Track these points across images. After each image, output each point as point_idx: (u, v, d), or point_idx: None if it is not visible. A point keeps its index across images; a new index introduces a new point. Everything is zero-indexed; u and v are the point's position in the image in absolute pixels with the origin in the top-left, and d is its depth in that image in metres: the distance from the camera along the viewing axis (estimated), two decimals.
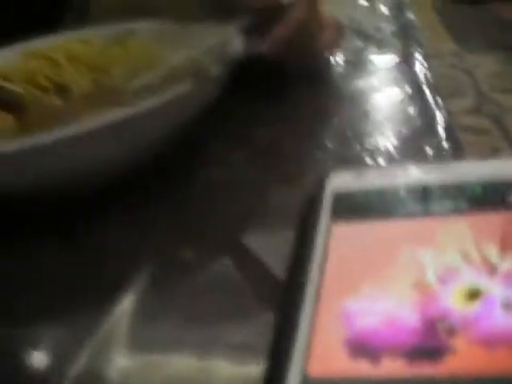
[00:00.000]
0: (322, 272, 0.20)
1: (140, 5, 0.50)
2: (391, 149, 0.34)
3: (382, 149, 0.34)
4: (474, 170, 0.24)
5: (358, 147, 0.34)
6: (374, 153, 0.33)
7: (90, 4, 0.53)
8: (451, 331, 0.16)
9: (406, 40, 0.48)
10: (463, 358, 0.16)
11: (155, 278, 0.26)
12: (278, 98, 0.39)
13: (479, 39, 0.41)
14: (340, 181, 0.25)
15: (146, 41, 0.46)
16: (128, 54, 0.44)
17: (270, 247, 0.28)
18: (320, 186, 0.25)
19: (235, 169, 0.33)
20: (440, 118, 0.36)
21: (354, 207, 0.23)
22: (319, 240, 0.22)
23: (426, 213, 0.22)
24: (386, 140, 0.35)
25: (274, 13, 0.41)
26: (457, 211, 0.22)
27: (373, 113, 0.39)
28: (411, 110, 0.38)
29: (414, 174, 0.25)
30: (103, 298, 0.25)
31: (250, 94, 0.37)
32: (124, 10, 0.50)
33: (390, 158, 0.32)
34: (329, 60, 0.44)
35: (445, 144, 0.33)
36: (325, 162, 0.34)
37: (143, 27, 0.48)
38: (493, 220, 0.21)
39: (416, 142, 0.34)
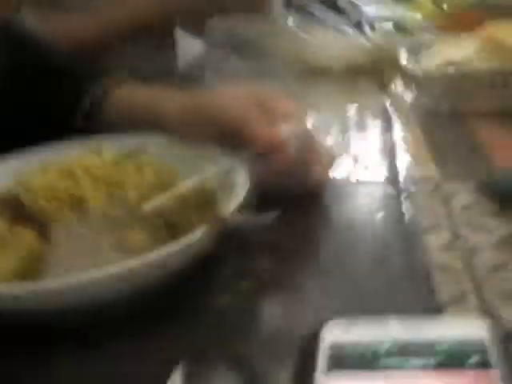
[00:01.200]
0: None
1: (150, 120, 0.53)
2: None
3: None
4: (445, 328, 0.29)
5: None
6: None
7: (101, 112, 0.56)
8: None
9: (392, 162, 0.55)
10: None
11: None
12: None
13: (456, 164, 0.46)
14: (334, 329, 0.30)
15: (157, 159, 0.50)
16: (141, 171, 0.48)
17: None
18: (315, 338, 0.30)
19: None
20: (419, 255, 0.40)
21: (345, 359, 0.28)
22: None
23: (404, 367, 0.27)
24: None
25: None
26: (427, 367, 0.27)
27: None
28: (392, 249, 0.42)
29: (395, 328, 0.30)
30: None
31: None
32: (134, 122, 0.54)
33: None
34: (322, 186, 0.49)
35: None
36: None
37: (153, 142, 0.52)
38: (459, 379, 0.26)
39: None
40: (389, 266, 0.40)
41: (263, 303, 0.38)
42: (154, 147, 0.51)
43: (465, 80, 0.66)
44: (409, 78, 0.76)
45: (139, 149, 0.51)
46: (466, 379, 0.26)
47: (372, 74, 0.85)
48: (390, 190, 0.51)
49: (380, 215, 0.47)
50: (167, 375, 0.28)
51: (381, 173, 0.54)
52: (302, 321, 0.34)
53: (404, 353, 0.28)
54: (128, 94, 0.55)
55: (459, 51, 0.66)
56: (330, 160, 0.50)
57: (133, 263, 0.36)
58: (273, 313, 0.38)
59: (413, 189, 0.50)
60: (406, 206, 0.47)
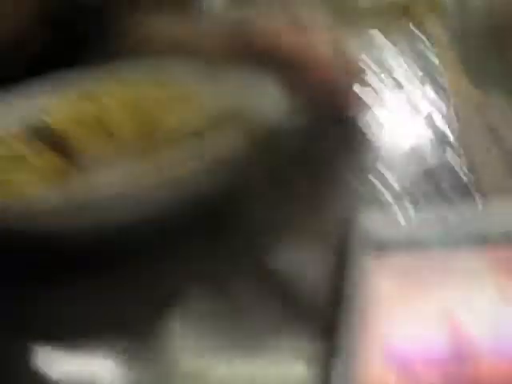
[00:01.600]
0: (364, 302, 0.23)
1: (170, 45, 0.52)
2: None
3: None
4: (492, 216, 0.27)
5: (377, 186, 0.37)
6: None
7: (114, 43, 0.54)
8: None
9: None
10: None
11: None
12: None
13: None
14: (370, 222, 0.28)
15: (184, 82, 0.48)
16: (170, 97, 0.47)
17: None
18: (352, 224, 0.29)
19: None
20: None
21: (385, 244, 0.27)
22: (359, 272, 0.25)
23: (454, 250, 0.25)
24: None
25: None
26: (479, 249, 0.25)
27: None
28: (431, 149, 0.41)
29: (438, 215, 0.28)
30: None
31: None
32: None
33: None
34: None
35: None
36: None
37: (176, 66, 0.50)
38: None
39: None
40: None
41: None
42: (178, 72, 0.49)
43: None
44: None
45: (164, 73, 0.50)
46: None
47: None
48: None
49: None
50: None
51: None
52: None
53: (452, 235, 0.26)
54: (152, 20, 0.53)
55: None
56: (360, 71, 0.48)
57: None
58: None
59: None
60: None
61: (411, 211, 0.30)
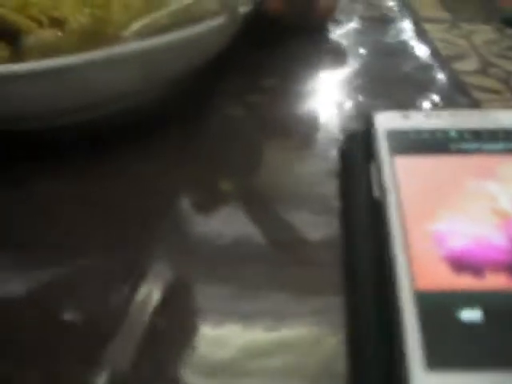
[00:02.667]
0: (399, 201, 0.21)
1: None
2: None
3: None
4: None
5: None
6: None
7: None
8: None
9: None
10: None
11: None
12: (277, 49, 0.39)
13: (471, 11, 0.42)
14: (388, 119, 0.26)
15: None
16: None
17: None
18: (368, 123, 0.26)
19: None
20: (447, 75, 0.37)
21: (408, 143, 0.24)
22: (386, 171, 0.22)
23: (480, 151, 0.24)
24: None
25: None
26: (508, 151, 0.23)
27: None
28: (412, 66, 0.39)
29: (456, 117, 0.26)
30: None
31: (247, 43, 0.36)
32: None
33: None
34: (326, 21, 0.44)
35: (459, 98, 0.34)
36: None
37: None
38: None
39: (426, 94, 0.35)
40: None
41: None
42: None
43: None
44: None
45: None
46: None
47: None
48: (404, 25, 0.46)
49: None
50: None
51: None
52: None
53: (476, 139, 0.24)
54: None
55: None
56: None
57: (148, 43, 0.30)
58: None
59: (427, 27, 0.46)
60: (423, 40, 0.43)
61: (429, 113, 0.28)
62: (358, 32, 0.45)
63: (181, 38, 0.32)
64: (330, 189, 0.26)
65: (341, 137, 0.29)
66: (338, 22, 0.45)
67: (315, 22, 0.44)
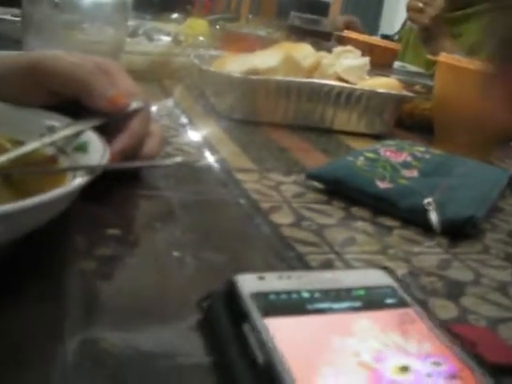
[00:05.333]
0: (285, 362, 0.24)
1: None
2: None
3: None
4: (353, 278, 0.31)
5: None
6: None
7: None
8: None
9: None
10: None
11: None
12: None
13: (272, 161, 0.49)
14: (248, 282, 0.30)
15: None
16: None
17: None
18: (230, 285, 0.29)
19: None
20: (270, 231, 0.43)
21: (272, 305, 0.28)
22: (264, 339, 0.25)
23: (332, 310, 0.28)
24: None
25: (120, 118, 0.44)
26: (354, 309, 0.29)
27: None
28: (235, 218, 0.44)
29: (306, 279, 0.31)
30: None
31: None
32: None
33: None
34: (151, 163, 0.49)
35: (287, 252, 0.40)
36: None
37: None
38: (384, 316, 0.28)
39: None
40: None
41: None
42: None
43: (263, 89, 0.71)
44: (205, 84, 0.80)
45: None
46: (390, 317, 0.28)
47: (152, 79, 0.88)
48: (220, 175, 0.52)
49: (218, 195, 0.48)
50: None
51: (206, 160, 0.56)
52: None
53: (325, 299, 0.29)
54: None
55: (265, 61, 0.71)
56: (162, 138, 0.50)
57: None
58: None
59: (240, 176, 0.52)
60: (239, 191, 0.49)
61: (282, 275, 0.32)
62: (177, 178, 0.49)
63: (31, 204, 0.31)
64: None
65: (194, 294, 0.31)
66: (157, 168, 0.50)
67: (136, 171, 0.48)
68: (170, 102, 0.77)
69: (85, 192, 0.35)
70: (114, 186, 0.43)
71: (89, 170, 0.35)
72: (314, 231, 0.43)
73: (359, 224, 0.46)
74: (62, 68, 0.43)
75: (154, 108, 0.58)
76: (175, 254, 0.37)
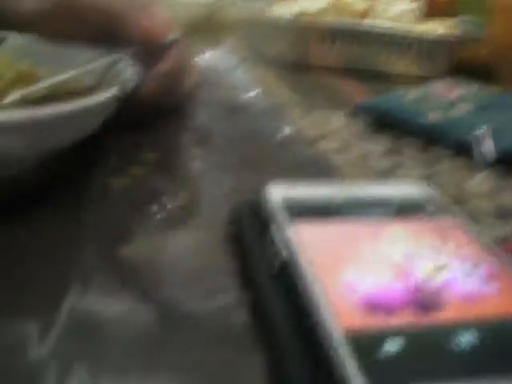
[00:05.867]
0: (307, 259, 0.23)
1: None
2: None
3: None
4: (389, 190, 0.30)
5: None
6: None
7: None
8: (434, 293, 0.21)
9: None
10: (450, 311, 0.20)
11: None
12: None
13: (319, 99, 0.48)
14: (279, 190, 0.29)
15: (13, 55, 0.43)
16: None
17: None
18: (260, 193, 0.29)
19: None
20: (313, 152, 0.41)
21: (302, 211, 0.27)
22: (290, 238, 0.24)
23: (366, 217, 0.27)
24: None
25: (156, 49, 0.44)
26: (387, 218, 0.27)
27: None
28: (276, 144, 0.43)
29: (340, 188, 0.30)
30: None
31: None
32: None
33: None
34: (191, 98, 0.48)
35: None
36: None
37: (9, 40, 0.45)
38: (421, 224, 0.27)
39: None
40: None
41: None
42: (10, 45, 0.44)
43: (314, 31, 0.69)
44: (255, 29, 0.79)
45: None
46: (427, 225, 0.27)
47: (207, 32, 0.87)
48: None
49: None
50: None
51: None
52: None
53: (360, 205, 0.28)
54: None
55: (314, 3, 0.69)
56: (199, 75, 0.49)
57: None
58: None
59: (286, 111, 0.51)
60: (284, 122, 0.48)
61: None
62: (220, 116, 0.48)
63: (66, 110, 0.32)
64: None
65: (228, 207, 0.31)
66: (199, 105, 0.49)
67: (177, 104, 0.47)
68: (219, 51, 0.76)
69: (122, 122, 0.35)
70: (154, 118, 0.43)
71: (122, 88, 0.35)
72: (360, 156, 0.42)
73: (408, 152, 0.44)
74: (98, 1, 0.43)
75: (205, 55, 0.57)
76: (210, 175, 0.36)
